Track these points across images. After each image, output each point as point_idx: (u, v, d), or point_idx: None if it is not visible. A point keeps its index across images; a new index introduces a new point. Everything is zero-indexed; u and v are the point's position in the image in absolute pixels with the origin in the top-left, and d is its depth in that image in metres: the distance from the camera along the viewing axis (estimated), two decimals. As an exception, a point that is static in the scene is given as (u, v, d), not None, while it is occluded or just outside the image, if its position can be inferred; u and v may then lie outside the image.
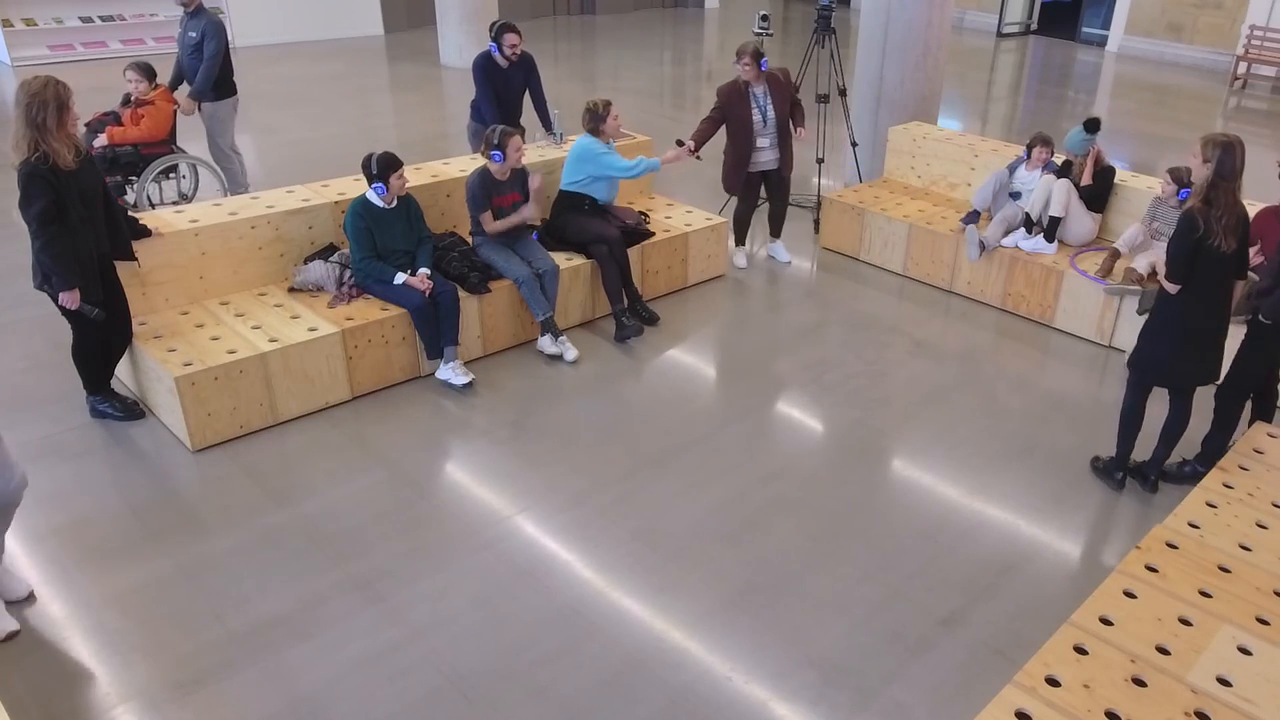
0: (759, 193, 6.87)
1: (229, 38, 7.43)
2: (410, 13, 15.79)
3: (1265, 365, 4.50)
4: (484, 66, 6.69)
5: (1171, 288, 4.11)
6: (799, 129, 6.65)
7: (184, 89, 7.12)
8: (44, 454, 4.63)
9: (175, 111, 6.87)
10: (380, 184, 5.13)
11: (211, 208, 5.45)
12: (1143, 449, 4.58)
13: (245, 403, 4.76)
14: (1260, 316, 4.34)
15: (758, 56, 6.30)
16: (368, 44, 14.87)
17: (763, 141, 6.53)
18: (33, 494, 4.33)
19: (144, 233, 4.94)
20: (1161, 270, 4.29)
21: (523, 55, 6.77)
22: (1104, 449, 4.88)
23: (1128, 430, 4.49)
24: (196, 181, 7.48)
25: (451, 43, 13.26)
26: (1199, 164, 4.02)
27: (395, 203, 5.26)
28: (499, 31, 6.61)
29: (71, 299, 4.38)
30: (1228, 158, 3.94)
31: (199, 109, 7.17)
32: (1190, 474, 4.57)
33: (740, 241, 7.03)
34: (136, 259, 4.82)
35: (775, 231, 7.18)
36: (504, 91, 6.78)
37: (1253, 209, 5.44)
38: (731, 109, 6.41)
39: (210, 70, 6.99)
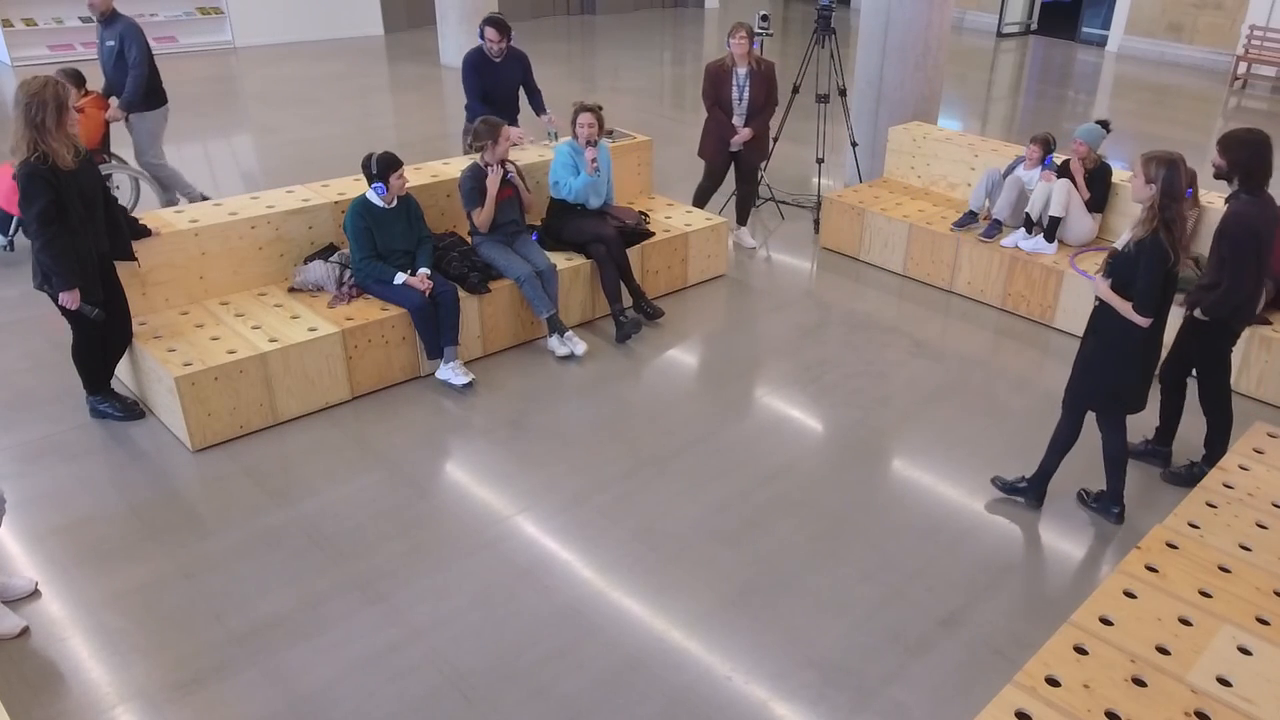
0: (724, 175, 7.12)
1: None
2: (410, 13, 15.79)
3: (1222, 353, 4.43)
4: (472, 61, 6.61)
5: (1143, 322, 3.82)
6: (746, 129, 6.82)
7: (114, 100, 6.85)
8: (44, 454, 4.63)
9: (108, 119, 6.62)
10: (380, 184, 5.13)
11: (212, 208, 5.45)
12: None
13: (245, 403, 4.76)
14: (1199, 312, 4.30)
15: (753, 34, 6.64)
16: (368, 44, 14.87)
17: (735, 121, 6.80)
18: (33, 494, 4.34)
19: (144, 232, 4.94)
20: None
21: (514, 51, 6.69)
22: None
23: (1122, 468, 4.28)
24: (137, 192, 7.25)
25: (451, 43, 13.25)
26: (1141, 184, 3.76)
27: (395, 203, 5.27)
28: (481, 25, 6.58)
29: (71, 299, 4.38)
30: (1174, 176, 3.69)
31: (127, 120, 6.88)
32: (1200, 475, 4.56)
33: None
34: (137, 259, 4.82)
35: (741, 219, 7.36)
36: (492, 87, 6.67)
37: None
38: (718, 86, 6.76)
39: (139, 78, 6.67)
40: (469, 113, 6.83)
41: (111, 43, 6.71)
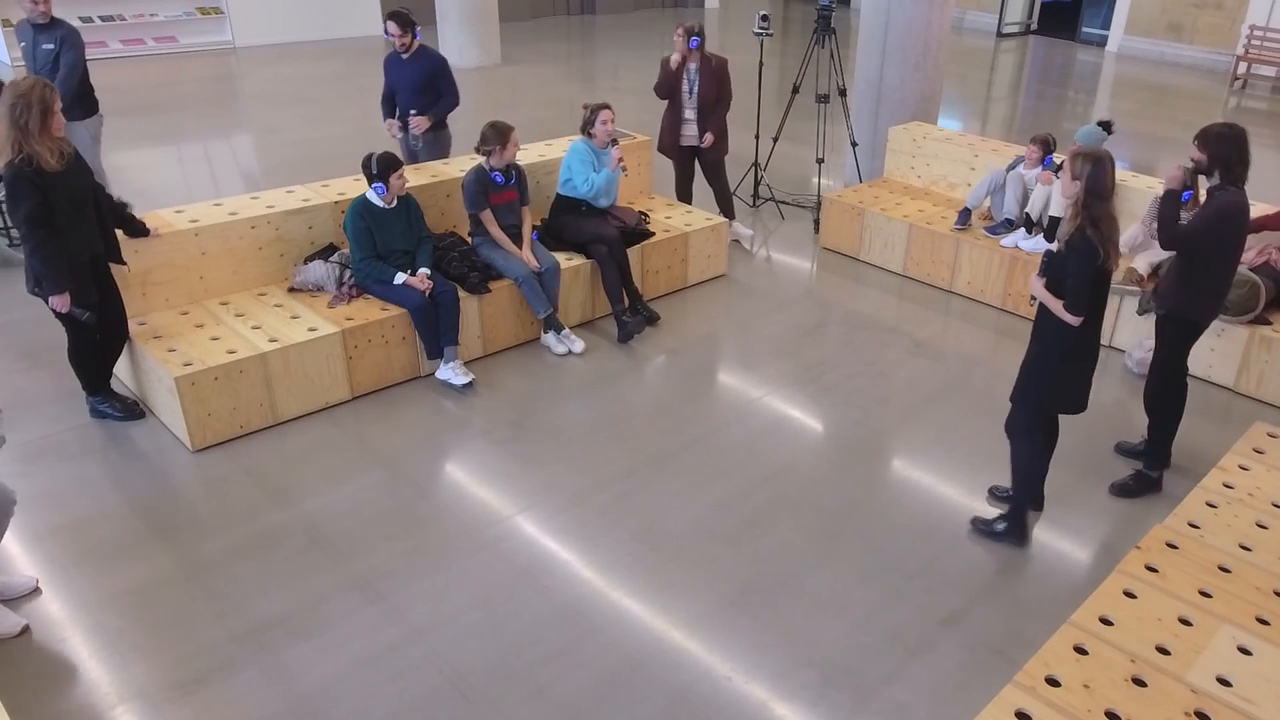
0: (690, 168, 7.19)
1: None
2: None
3: (1180, 349, 4.40)
4: (386, 57, 6.60)
5: (1074, 320, 3.75)
6: (708, 133, 6.88)
7: None
8: (44, 454, 4.63)
9: None
10: (380, 184, 5.13)
11: (211, 208, 5.45)
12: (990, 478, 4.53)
13: (245, 403, 4.76)
14: (1160, 245, 4.34)
15: (689, 34, 6.77)
16: (368, 44, 14.86)
17: (687, 114, 6.90)
18: (33, 494, 4.34)
19: (142, 231, 4.92)
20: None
21: (427, 52, 6.47)
22: (1104, 448, 4.88)
23: (1038, 481, 4.18)
24: None
25: (451, 43, 13.25)
26: (1068, 181, 3.70)
27: (395, 202, 5.26)
28: (385, 19, 6.42)
29: (61, 302, 4.36)
30: (1100, 173, 3.61)
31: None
32: (1146, 483, 4.55)
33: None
34: (126, 263, 4.79)
35: (727, 214, 7.35)
36: (395, 86, 6.54)
37: (1259, 210, 5.45)
38: (669, 80, 6.90)
39: (68, 84, 6.28)
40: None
41: (50, 46, 6.38)
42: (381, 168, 5.12)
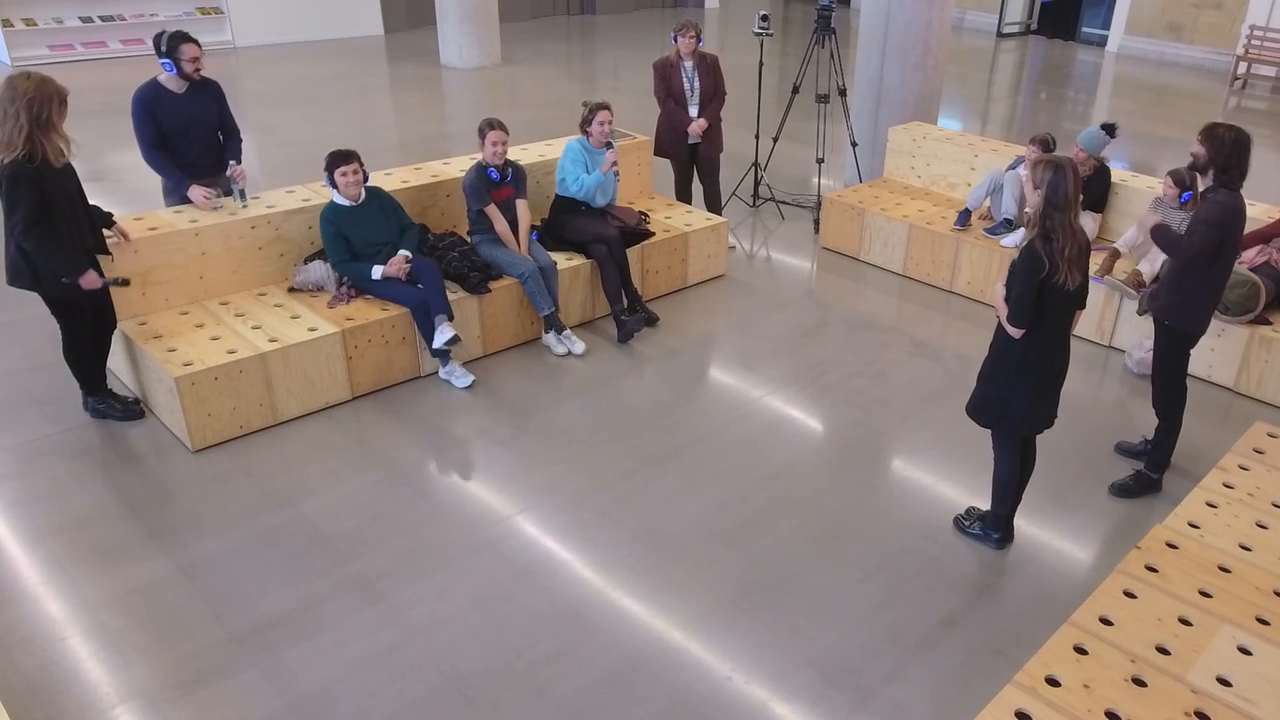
0: (690, 164, 7.16)
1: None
2: (410, 13, 15.79)
3: (1171, 355, 4.36)
4: (143, 98, 5.13)
5: (1015, 332, 3.68)
6: (701, 118, 6.87)
7: None
8: (43, 454, 4.63)
9: None
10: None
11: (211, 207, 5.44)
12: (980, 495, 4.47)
13: (245, 403, 4.76)
14: (1151, 235, 4.29)
15: (700, 33, 6.80)
16: (368, 44, 14.87)
17: (692, 112, 6.89)
18: (33, 494, 4.34)
19: (108, 221, 4.81)
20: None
21: (205, 80, 5.36)
22: (1104, 448, 4.88)
23: (1009, 492, 4.07)
24: None
25: (451, 43, 13.26)
26: (1031, 190, 3.59)
27: (362, 198, 5.23)
28: (170, 43, 5.10)
29: (91, 279, 4.40)
30: (1060, 182, 3.47)
31: None
32: (1146, 484, 4.54)
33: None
34: (110, 253, 4.79)
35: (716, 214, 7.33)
36: (177, 128, 5.24)
37: (1255, 209, 5.46)
38: (668, 80, 6.87)
39: None
40: (153, 166, 5.30)
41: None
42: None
